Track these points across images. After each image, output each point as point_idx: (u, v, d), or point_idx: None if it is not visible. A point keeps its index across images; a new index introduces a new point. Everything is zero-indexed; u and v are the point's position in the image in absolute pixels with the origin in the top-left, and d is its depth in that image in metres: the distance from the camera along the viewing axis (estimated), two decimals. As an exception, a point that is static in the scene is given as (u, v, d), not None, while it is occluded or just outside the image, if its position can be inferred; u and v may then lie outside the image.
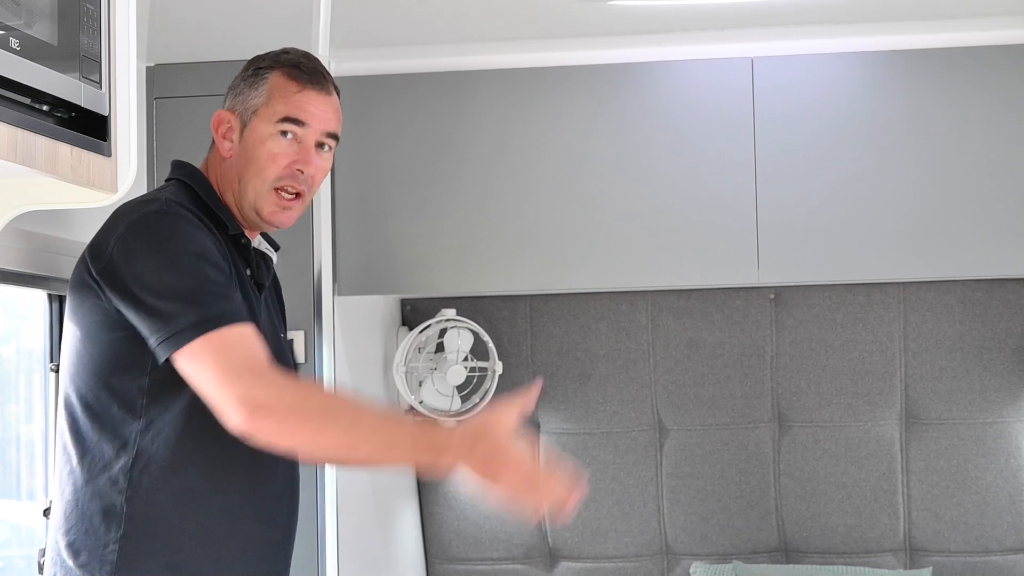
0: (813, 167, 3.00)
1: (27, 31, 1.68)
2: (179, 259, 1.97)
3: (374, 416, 1.92)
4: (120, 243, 1.97)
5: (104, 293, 1.97)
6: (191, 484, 2.01)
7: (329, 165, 2.22)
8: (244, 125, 2.16)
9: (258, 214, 2.15)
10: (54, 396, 2.60)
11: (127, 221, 2.00)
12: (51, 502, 2.14)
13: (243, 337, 1.92)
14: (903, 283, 3.43)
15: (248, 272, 2.16)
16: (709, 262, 3.03)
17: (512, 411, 1.88)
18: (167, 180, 2.19)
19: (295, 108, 2.15)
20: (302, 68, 2.17)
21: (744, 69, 3.02)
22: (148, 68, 2.97)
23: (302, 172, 2.15)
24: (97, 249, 2.01)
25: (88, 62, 1.82)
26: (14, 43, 1.65)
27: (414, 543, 3.59)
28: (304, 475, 2.22)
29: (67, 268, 2.19)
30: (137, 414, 1.99)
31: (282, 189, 2.15)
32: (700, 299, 3.52)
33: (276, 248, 2.29)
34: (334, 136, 2.20)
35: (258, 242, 2.24)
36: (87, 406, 2.01)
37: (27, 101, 1.72)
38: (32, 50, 1.69)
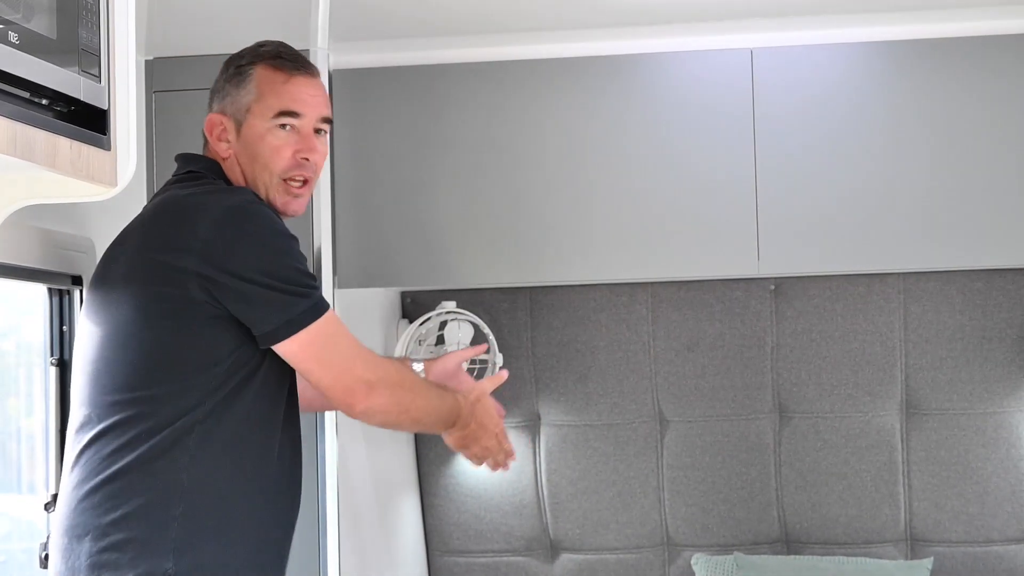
0: (813, 158, 3.00)
1: (26, 25, 1.68)
2: (283, 247, 2.04)
3: (433, 389, 2.25)
4: (221, 235, 2.00)
5: (195, 285, 1.99)
6: (247, 464, 2.06)
7: (327, 148, 2.28)
8: (239, 124, 2.18)
9: (272, 207, 2.19)
10: (55, 390, 2.60)
11: (217, 213, 2.02)
12: (54, 495, 2.13)
13: (339, 322, 2.10)
14: (903, 273, 3.42)
15: None
16: (709, 253, 3.03)
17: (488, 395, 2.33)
18: (188, 172, 2.18)
19: (289, 100, 2.19)
20: (284, 57, 2.22)
21: (743, 60, 3.01)
22: (147, 61, 2.97)
23: (307, 160, 2.20)
24: (186, 243, 2.01)
25: (87, 56, 1.82)
26: (13, 37, 1.65)
27: (415, 535, 3.59)
28: (306, 469, 2.23)
29: (67, 262, 2.19)
30: (210, 398, 2.02)
31: (290, 179, 2.20)
32: (700, 290, 3.52)
33: None
34: (328, 120, 2.25)
35: None
36: (146, 392, 2.01)
37: (26, 95, 1.72)
38: (31, 44, 1.68)
